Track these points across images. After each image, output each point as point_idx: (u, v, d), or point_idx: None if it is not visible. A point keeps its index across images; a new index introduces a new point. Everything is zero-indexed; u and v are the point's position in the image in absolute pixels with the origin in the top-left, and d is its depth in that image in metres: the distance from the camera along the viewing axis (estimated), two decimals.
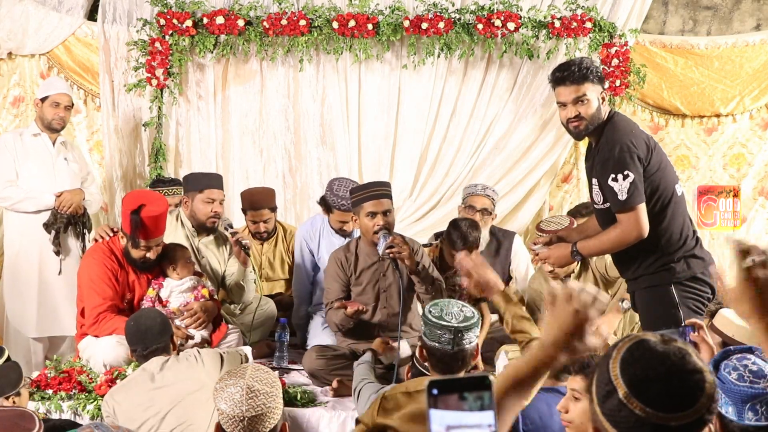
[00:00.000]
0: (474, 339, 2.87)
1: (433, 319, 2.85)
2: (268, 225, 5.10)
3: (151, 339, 3.44)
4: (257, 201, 5.08)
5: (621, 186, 3.27)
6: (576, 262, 4.32)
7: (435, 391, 1.20)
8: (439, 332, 2.83)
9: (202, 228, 4.55)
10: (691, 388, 1.37)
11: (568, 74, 3.40)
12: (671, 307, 3.30)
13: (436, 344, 2.83)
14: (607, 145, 3.38)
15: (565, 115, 3.43)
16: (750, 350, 2.02)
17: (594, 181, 3.42)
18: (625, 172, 3.26)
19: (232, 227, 4.59)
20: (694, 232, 3.48)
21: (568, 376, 2.54)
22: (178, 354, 3.52)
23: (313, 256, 4.88)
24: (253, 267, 4.63)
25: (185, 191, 4.65)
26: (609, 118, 3.43)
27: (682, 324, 2.21)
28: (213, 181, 4.65)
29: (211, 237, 4.60)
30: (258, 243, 5.16)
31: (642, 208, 3.31)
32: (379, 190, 4.23)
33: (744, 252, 1.55)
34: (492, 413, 1.18)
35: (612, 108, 3.58)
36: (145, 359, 3.44)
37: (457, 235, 4.33)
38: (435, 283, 4.19)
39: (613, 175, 3.28)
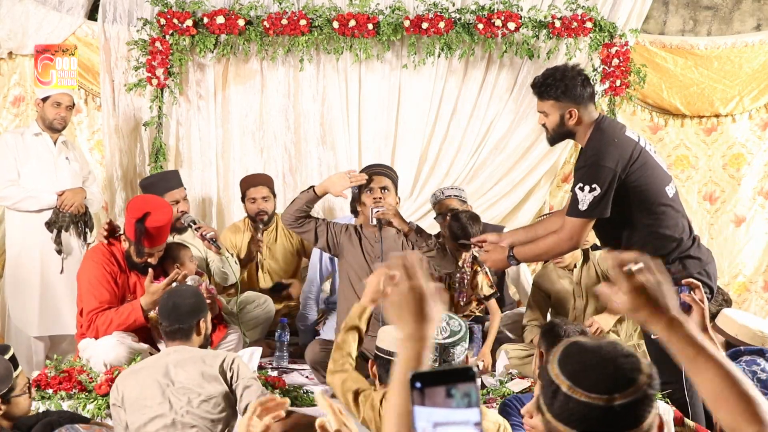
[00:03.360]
0: (462, 353, 2.79)
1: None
2: (267, 205, 5.09)
3: (176, 318, 3.35)
4: (253, 180, 5.17)
5: (584, 197, 3.29)
6: (579, 258, 4.34)
7: (418, 385, 1.18)
8: None
9: (173, 229, 4.59)
10: (629, 369, 1.43)
11: (532, 86, 3.52)
12: None
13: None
14: (586, 153, 3.41)
15: None
16: (761, 352, 2.01)
17: None
18: (593, 185, 3.28)
19: (195, 223, 4.62)
20: (691, 231, 3.48)
21: None
22: (212, 345, 3.44)
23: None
24: (230, 252, 4.71)
25: None
26: (597, 125, 3.43)
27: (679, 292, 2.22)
28: (171, 182, 4.75)
29: (184, 234, 4.69)
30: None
31: (589, 224, 3.35)
32: (379, 169, 4.37)
33: (620, 263, 1.61)
34: (478, 410, 1.18)
35: (601, 114, 3.58)
36: (167, 337, 3.38)
37: (458, 227, 4.33)
38: (433, 238, 4.22)
39: (581, 184, 3.31)
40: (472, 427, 1.17)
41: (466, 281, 4.48)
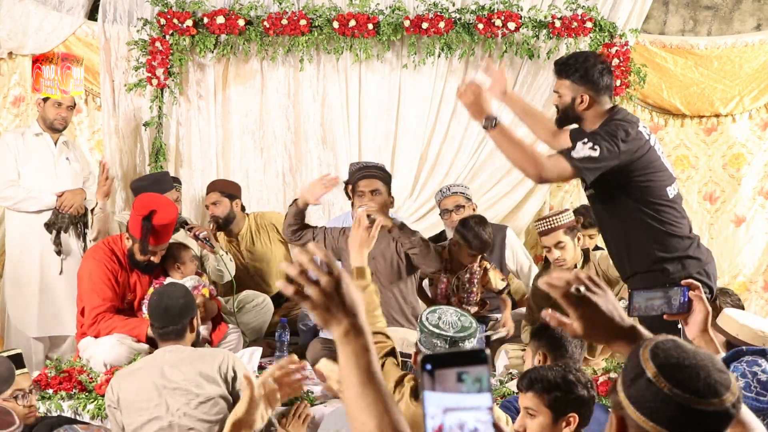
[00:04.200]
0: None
1: (430, 327, 2.75)
2: (217, 209, 5.09)
3: (168, 320, 3.34)
4: (210, 186, 5.22)
5: (582, 149, 3.22)
6: (579, 259, 4.34)
7: (429, 367, 1.15)
8: (434, 341, 2.74)
9: None
10: (719, 382, 1.39)
11: (555, 63, 3.51)
12: None
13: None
14: (603, 126, 3.36)
15: None
16: (762, 352, 2.01)
17: None
18: (595, 147, 3.22)
19: (187, 224, 4.62)
20: (690, 231, 3.48)
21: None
22: (212, 345, 3.41)
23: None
24: (224, 250, 4.71)
25: None
26: (610, 115, 3.40)
27: (681, 297, 2.20)
28: (164, 185, 4.77)
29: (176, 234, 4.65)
30: (232, 243, 5.18)
31: (565, 172, 3.25)
32: (370, 171, 4.37)
33: (564, 288, 1.57)
34: (489, 395, 1.15)
35: (616, 105, 3.55)
36: (160, 337, 3.38)
37: (472, 235, 4.35)
38: (418, 236, 4.23)
39: (586, 140, 3.26)
40: (484, 412, 1.14)
41: (476, 280, 4.50)
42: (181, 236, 4.65)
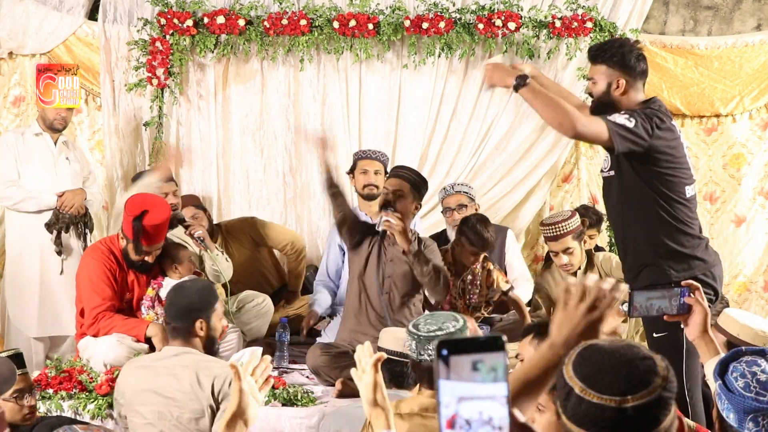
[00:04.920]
0: None
1: (412, 329, 2.70)
2: (199, 223, 5.03)
3: (171, 316, 3.30)
4: (182, 202, 5.08)
5: (619, 117, 3.20)
6: (584, 261, 4.32)
7: (444, 352, 1.12)
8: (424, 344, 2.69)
9: None
10: (644, 371, 1.41)
11: (588, 50, 3.51)
12: None
13: (425, 356, 2.65)
14: (642, 107, 3.35)
15: None
16: (762, 352, 2.00)
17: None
18: (631, 119, 3.21)
19: (184, 221, 4.59)
20: (700, 233, 3.47)
21: None
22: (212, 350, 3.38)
23: (342, 250, 4.91)
24: (219, 250, 4.67)
25: None
26: (647, 105, 3.38)
27: (681, 297, 2.20)
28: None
29: (174, 230, 4.61)
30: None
31: (600, 135, 3.21)
32: (401, 171, 4.25)
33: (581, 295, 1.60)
34: (506, 385, 1.13)
35: (653, 97, 3.53)
36: (170, 332, 3.33)
37: (473, 233, 4.33)
38: (431, 266, 4.06)
39: (623, 111, 3.26)
40: (500, 402, 1.12)
41: (479, 281, 4.49)
42: (180, 233, 4.65)
